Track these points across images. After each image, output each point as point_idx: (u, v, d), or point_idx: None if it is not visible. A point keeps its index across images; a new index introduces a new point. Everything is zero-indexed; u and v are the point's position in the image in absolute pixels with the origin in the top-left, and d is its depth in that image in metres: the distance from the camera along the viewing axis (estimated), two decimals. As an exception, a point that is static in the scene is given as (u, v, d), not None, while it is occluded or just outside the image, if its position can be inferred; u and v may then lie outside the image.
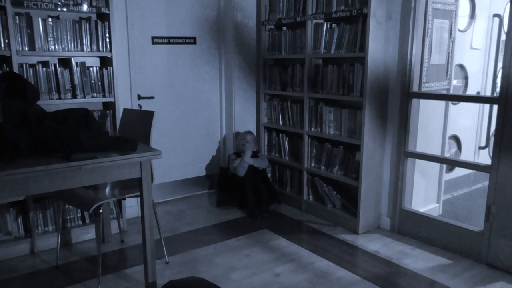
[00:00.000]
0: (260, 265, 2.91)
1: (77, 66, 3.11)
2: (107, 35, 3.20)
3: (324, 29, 3.51)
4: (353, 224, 3.44)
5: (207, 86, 4.32)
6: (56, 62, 3.10)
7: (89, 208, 2.48)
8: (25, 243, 3.06)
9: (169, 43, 3.98)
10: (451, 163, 3.77)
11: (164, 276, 2.75)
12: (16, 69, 2.85)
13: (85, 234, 3.30)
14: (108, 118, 3.31)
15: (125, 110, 3.12)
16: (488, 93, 4.73)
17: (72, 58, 3.10)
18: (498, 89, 3.32)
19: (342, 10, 3.35)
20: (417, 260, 2.98)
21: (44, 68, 3.00)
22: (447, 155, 4.13)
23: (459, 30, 4.24)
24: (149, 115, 2.85)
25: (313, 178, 3.83)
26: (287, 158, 4.15)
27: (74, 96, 3.12)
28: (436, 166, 3.74)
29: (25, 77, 2.90)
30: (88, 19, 3.13)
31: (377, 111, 3.29)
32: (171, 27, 3.97)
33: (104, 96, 3.25)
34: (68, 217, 3.25)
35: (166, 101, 4.07)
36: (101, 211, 2.62)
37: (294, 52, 3.88)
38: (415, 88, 3.25)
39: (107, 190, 2.80)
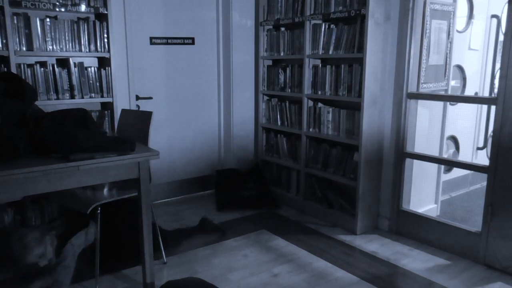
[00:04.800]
0: (258, 266, 2.91)
1: (75, 66, 3.11)
2: (105, 35, 3.20)
3: (323, 29, 3.51)
4: (351, 224, 3.44)
5: (205, 87, 4.31)
6: (54, 62, 3.10)
7: (87, 209, 2.48)
8: (23, 244, 3.06)
9: (167, 43, 3.97)
10: (449, 164, 3.77)
11: (162, 277, 2.75)
12: (14, 69, 2.85)
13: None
14: (106, 118, 3.30)
15: (123, 110, 3.12)
16: (486, 93, 4.74)
17: (70, 59, 3.10)
18: (496, 90, 3.33)
19: (340, 11, 3.35)
20: (415, 260, 2.99)
21: (42, 68, 2.99)
22: (445, 155, 4.13)
23: (457, 31, 4.24)
24: (147, 115, 2.85)
25: (311, 178, 3.83)
26: (285, 158, 4.15)
27: (72, 96, 3.12)
28: (434, 166, 3.74)
29: (23, 77, 2.89)
30: (86, 19, 3.13)
31: (375, 111, 3.30)
32: (170, 28, 3.97)
33: (102, 96, 3.25)
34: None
35: (164, 102, 4.06)
36: (99, 211, 2.61)
37: (293, 53, 3.88)
38: (413, 89, 3.25)
39: (105, 190, 2.79)
